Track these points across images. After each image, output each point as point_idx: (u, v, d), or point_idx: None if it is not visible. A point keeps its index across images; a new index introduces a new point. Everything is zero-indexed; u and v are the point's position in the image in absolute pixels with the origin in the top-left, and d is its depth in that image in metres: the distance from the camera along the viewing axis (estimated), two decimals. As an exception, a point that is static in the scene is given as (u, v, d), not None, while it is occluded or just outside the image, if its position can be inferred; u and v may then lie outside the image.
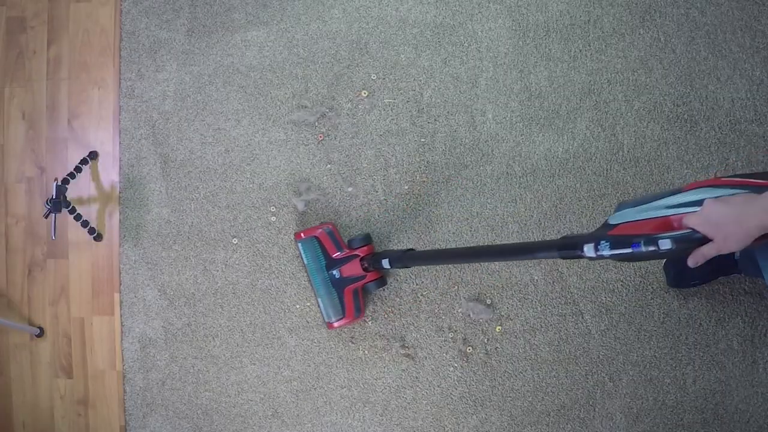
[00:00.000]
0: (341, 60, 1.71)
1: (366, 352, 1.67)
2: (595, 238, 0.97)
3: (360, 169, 1.69)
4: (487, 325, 1.60)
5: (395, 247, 1.65)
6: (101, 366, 1.85)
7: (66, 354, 1.87)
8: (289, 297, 1.71)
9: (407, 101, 1.67)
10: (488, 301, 1.60)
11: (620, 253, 0.94)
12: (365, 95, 1.69)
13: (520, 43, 1.62)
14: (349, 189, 1.69)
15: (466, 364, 1.61)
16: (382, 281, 1.60)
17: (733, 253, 1.37)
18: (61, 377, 1.88)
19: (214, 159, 1.77)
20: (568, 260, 1.55)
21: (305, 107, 1.73)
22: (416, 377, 1.64)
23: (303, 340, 1.70)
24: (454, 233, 1.62)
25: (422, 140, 1.66)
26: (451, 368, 1.62)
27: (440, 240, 1.63)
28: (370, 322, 1.66)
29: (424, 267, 1.63)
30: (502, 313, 1.59)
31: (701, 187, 0.91)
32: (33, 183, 1.91)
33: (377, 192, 1.67)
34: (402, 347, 1.65)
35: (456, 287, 1.62)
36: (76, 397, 1.87)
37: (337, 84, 1.71)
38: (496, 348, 1.60)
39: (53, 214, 1.72)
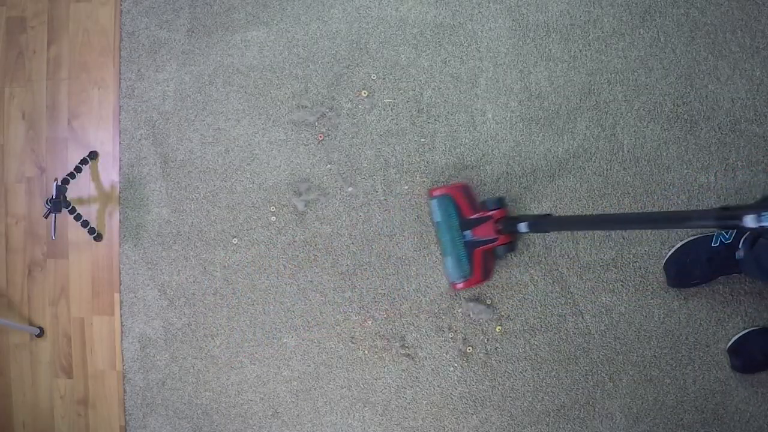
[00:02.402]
0: (341, 60, 1.71)
1: (366, 352, 1.67)
2: (758, 209, 0.93)
3: (360, 169, 1.69)
4: (487, 325, 1.60)
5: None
6: (101, 366, 1.85)
7: (66, 354, 1.87)
8: (289, 297, 1.71)
9: (407, 101, 1.67)
10: (488, 302, 1.60)
11: None
12: (365, 95, 1.69)
13: (520, 43, 1.61)
14: (349, 189, 1.69)
15: (466, 364, 1.61)
16: (511, 246, 1.55)
17: (734, 253, 1.37)
18: (61, 377, 1.88)
19: (214, 159, 1.77)
20: (567, 259, 1.56)
21: (305, 107, 1.73)
22: (416, 377, 1.64)
23: (303, 340, 1.70)
24: (454, 233, 1.62)
25: (422, 140, 1.66)
26: (451, 368, 1.62)
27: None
28: (370, 322, 1.66)
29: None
30: (502, 313, 1.59)
31: None
32: (33, 183, 1.91)
33: (377, 192, 1.67)
34: (402, 347, 1.65)
35: (456, 287, 1.62)
36: (76, 397, 1.87)
37: (337, 84, 1.71)
38: (496, 348, 1.60)
39: (53, 214, 1.72)
